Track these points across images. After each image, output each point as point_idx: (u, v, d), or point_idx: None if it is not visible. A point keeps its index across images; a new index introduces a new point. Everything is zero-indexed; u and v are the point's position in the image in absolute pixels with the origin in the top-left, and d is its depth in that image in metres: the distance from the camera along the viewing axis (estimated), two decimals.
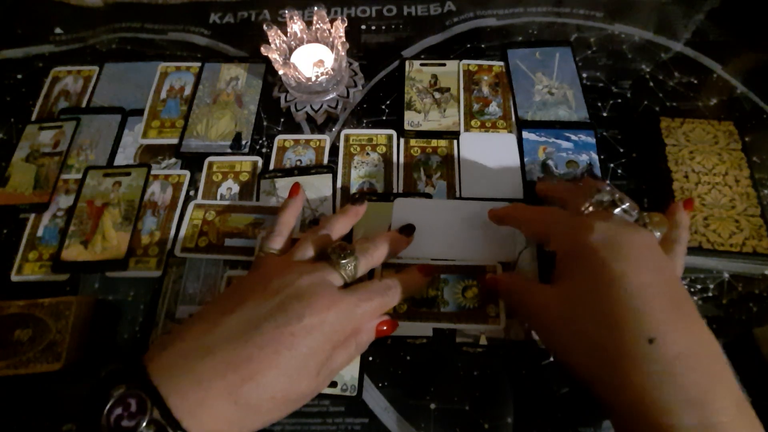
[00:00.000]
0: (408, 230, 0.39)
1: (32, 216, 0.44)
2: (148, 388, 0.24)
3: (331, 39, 0.47)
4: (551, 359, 0.37)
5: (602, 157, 0.45)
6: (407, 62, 0.51)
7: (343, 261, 0.32)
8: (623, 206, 0.31)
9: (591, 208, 0.31)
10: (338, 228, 0.37)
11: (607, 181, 0.30)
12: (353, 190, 0.44)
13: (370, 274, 0.38)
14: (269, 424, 0.28)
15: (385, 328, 0.33)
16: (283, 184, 0.44)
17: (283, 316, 0.28)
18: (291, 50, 0.49)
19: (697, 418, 0.23)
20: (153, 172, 0.46)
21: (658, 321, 0.25)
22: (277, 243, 0.36)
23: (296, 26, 0.47)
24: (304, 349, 0.28)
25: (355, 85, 0.50)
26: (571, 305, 0.28)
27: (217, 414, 0.25)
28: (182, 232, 0.42)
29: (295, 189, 0.40)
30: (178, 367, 0.25)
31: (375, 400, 0.36)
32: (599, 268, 0.27)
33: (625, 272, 0.27)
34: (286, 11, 0.46)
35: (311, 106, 0.48)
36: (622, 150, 0.46)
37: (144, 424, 0.23)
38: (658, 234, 0.31)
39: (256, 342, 0.27)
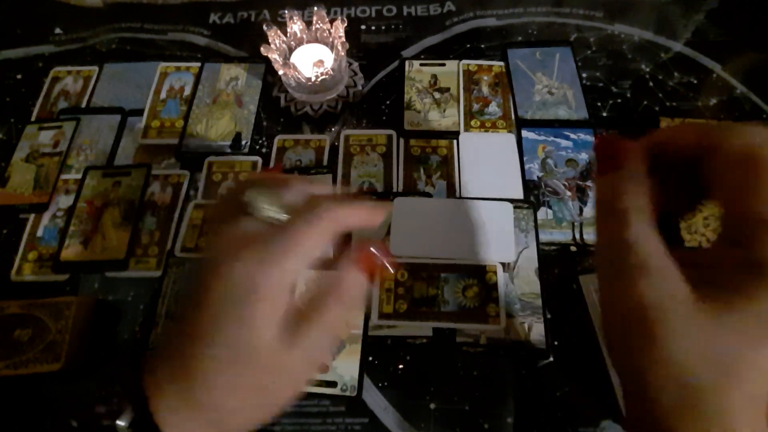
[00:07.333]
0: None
1: (32, 216, 0.44)
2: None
3: (330, 39, 0.47)
4: (551, 359, 0.37)
5: None
6: (407, 62, 0.51)
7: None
8: None
9: None
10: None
11: None
12: (353, 190, 0.44)
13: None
14: (263, 420, 0.25)
15: (367, 272, 0.25)
16: None
17: (203, 303, 0.23)
18: (291, 50, 0.49)
19: None
20: (153, 172, 0.46)
21: None
22: None
23: (296, 26, 0.47)
24: (236, 330, 0.22)
25: (355, 85, 0.50)
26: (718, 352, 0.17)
27: (184, 418, 0.22)
28: (182, 232, 0.42)
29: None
30: (157, 381, 0.23)
31: (375, 400, 0.36)
32: None
33: None
34: (286, 11, 0.46)
35: (311, 106, 0.48)
36: None
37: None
38: None
39: (192, 340, 0.22)
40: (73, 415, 0.23)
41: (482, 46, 0.54)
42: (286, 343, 0.22)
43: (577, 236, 0.42)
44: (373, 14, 0.57)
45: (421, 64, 0.51)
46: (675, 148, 0.21)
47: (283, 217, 0.24)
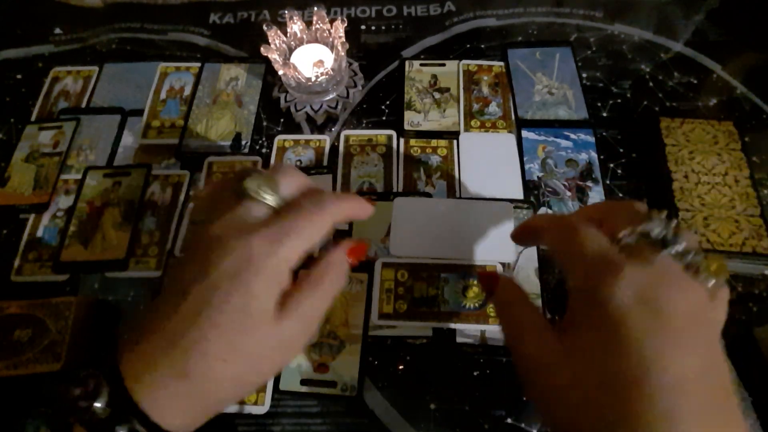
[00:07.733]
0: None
1: (32, 216, 0.44)
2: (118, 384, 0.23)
3: (330, 39, 0.47)
4: None
5: (602, 157, 0.45)
6: (407, 62, 0.51)
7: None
8: (677, 248, 0.23)
9: (630, 239, 0.23)
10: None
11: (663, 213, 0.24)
12: (353, 190, 0.44)
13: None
14: (240, 396, 0.26)
15: (351, 260, 0.29)
16: None
17: (205, 274, 0.24)
18: (291, 50, 0.49)
19: None
20: (153, 172, 0.46)
21: (690, 429, 0.20)
22: None
23: (296, 26, 0.47)
24: (239, 298, 0.24)
25: (355, 85, 0.50)
26: (579, 381, 0.22)
27: (170, 392, 0.23)
28: (182, 233, 0.42)
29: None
30: (142, 358, 0.24)
31: (375, 400, 0.36)
32: (626, 343, 0.21)
33: (661, 355, 0.20)
34: (286, 11, 0.46)
35: (311, 107, 0.48)
36: (621, 150, 0.46)
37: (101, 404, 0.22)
38: (711, 284, 0.22)
39: (191, 309, 0.23)
40: (47, 403, 0.23)
41: (482, 46, 0.54)
42: (282, 313, 0.25)
43: None
44: (373, 14, 0.57)
45: (421, 64, 0.51)
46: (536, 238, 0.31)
47: (281, 202, 0.27)
